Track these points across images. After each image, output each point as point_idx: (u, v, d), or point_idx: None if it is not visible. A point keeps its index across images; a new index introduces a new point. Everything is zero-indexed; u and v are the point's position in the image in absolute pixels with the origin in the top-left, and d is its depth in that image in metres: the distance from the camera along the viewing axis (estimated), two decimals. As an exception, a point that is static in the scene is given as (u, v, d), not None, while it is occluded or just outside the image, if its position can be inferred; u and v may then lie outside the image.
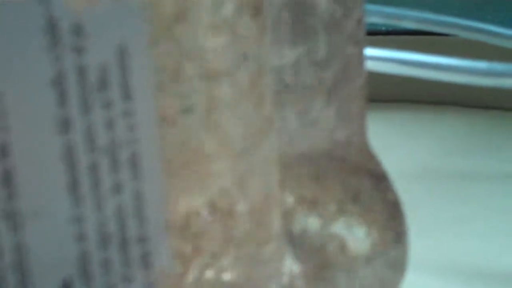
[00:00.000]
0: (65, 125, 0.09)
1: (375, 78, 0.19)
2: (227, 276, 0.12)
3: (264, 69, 0.12)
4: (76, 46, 0.09)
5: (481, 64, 0.17)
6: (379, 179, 0.15)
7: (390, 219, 0.15)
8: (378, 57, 0.18)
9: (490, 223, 0.18)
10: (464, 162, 0.21)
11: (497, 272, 0.16)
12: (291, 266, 0.13)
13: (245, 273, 0.12)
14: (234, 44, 0.11)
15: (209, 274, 0.11)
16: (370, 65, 0.17)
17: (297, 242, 0.13)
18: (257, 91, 0.11)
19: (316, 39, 0.13)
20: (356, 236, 0.14)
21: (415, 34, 0.25)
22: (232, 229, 0.11)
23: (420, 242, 0.17)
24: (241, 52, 0.11)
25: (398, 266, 0.15)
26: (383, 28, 0.26)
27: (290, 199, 0.14)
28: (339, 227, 0.14)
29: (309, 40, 0.13)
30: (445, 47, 0.24)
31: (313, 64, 0.14)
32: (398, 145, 0.19)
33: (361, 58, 0.14)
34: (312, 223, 0.14)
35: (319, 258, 0.14)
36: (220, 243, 0.11)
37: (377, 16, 0.23)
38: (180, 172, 0.10)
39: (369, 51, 0.18)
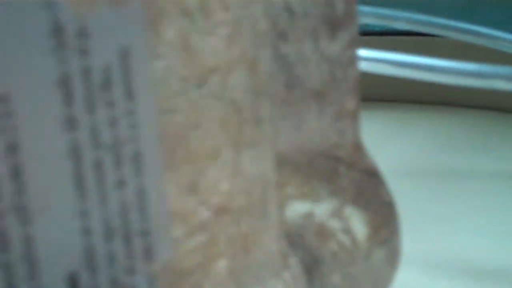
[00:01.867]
0: (71, 124, 0.09)
1: (366, 78, 0.19)
2: (222, 264, 0.12)
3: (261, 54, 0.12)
4: (81, 49, 0.09)
5: (471, 66, 0.17)
6: (373, 176, 0.15)
7: (384, 216, 0.15)
8: (371, 58, 0.18)
9: (478, 220, 0.18)
10: (453, 160, 0.22)
11: (484, 267, 0.17)
12: (290, 261, 0.13)
13: (244, 263, 0.12)
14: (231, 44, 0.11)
15: (209, 265, 0.12)
16: (363, 66, 0.18)
17: (294, 240, 0.14)
18: (257, 88, 0.12)
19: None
20: (351, 232, 0.14)
21: (408, 35, 0.25)
22: (229, 224, 0.12)
23: (409, 239, 0.17)
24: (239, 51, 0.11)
25: (391, 262, 0.15)
26: (377, 29, 0.26)
27: (286, 198, 0.14)
28: (334, 224, 0.14)
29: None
30: (436, 47, 0.25)
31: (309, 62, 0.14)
32: (388, 143, 0.20)
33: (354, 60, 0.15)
34: (308, 220, 0.14)
35: (315, 255, 0.14)
36: (219, 237, 0.12)
37: (371, 17, 0.24)
38: (180, 168, 0.11)
39: (362, 52, 0.18)
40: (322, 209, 0.14)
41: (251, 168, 0.12)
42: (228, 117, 0.11)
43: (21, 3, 0.09)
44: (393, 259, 0.15)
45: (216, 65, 0.11)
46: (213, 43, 0.11)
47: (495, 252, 0.17)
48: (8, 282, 0.09)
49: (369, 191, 0.15)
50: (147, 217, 0.11)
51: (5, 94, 0.09)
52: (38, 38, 0.09)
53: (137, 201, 0.10)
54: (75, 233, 0.10)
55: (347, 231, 0.14)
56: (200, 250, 0.11)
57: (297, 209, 0.14)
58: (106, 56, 0.10)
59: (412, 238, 0.18)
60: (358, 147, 0.15)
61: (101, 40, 0.10)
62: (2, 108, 0.09)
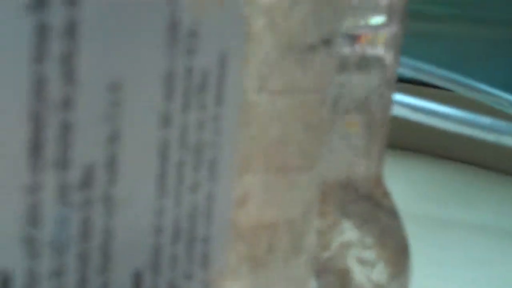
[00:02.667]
0: (166, 120, 0.09)
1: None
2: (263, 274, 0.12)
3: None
4: (189, 49, 0.09)
5: (484, 119, 0.18)
6: (393, 214, 0.15)
7: (399, 255, 0.15)
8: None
9: (461, 270, 0.19)
10: (431, 209, 0.22)
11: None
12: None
13: (280, 276, 0.12)
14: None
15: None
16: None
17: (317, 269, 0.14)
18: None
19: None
20: (368, 267, 0.15)
21: (410, 83, 0.26)
22: (274, 240, 0.12)
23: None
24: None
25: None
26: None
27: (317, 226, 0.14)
28: (352, 258, 0.15)
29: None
30: (435, 98, 0.25)
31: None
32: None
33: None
34: (328, 253, 0.14)
35: (334, 285, 0.14)
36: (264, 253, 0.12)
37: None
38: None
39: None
40: (342, 241, 0.14)
41: (306, 186, 0.12)
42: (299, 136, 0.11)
43: (144, -6, 0.09)
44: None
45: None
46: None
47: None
48: (82, 273, 0.09)
49: (389, 229, 0.15)
50: (211, 223, 0.10)
51: (117, 83, 0.09)
52: (154, 31, 0.09)
53: (206, 206, 0.10)
54: (149, 230, 0.10)
55: (365, 265, 0.14)
56: (247, 260, 0.11)
57: (321, 239, 0.14)
58: (207, 58, 0.10)
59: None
60: (381, 185, 0.16)
61: (206, 42, 0.10)
62: (112, 96, 0.09)
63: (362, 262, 0.15)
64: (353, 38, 0.14)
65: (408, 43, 0.27)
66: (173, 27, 0.09)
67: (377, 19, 0.14)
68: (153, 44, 0.09)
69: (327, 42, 0.12)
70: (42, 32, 0.08)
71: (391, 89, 0.14)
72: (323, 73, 0.12)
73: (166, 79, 0.09)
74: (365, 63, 0.14)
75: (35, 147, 0.08)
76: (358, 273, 0.14)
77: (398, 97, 0.20)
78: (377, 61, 0.14)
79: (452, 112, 0.19)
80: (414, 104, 0.20)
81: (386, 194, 0.16)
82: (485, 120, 0.18)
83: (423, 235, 0.21)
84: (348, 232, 0.15)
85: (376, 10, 0.14)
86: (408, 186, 0.24)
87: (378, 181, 0.15)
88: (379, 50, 0.14)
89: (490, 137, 0.18)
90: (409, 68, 0.24)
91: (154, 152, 0.09)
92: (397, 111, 0.20)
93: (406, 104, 0.20)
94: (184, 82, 0.09)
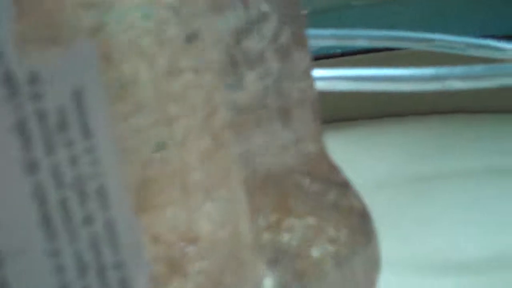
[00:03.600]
0: (32, 167, 0.10)
1: (330, 99, 0.20)
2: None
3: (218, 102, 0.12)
4: (34, 94, 0.10)
5: (426, 70, 0.18)
6: (344, 186, 0.16)
7: (359, 223, 0.15)
8: (328, 77, 0.19)
9: (453, 218, 0.19)
10: (422, 166, 0.22)
11: (466, 261, 0.17)
12: (265, 280, 0.14)
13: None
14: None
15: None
16: (321, 85, 0.18)
17: (271, 258, 0.14)
18: (215, 128, 0.12)
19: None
20: (327, 242, 0.15)
21: (368, 52, 0.26)
22: (202, 255, 0.12)
23: (391, 243, 0.18)
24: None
25: (370, 268, 0.15)
26: (338, 51, 0.27)
27: (260, 222, 0.14)
28: (309, 238, 0.15)
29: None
30: (400, 60, 0.25)
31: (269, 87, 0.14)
32: (355, 160, 0.20)
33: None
34: (284, 238, 0.15)
35: (293, 269, 0.14)
36: (192, 266, 0.12)
37: (331, 38, 0.24)
38: (146, 202, 0.11)
39: (319, 72, 0.19)
40: (296, 224, 0.15)
41: (224, 200, 0.12)
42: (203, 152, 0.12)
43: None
44: (372, 264, 0.15)
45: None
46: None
47: (476, 244, 0.18)
48: (-12, 327, 0.09)
49: (342, 200, 0.15)
50: (119, 249, 0.11)
51: (-36, 145, 0.09)
52: (-10, 88, 0.09)
53: (107, 235, 0.11)
54: (48, 272, 0.10)
55: (323, 241, 0.15)
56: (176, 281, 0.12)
57: (271, 231, 0.14)
58: (60, 98, 0.10)
59: (395, 244, 0.18)
60: (326, 161, 0.16)
61: (52, 83, 0.10)
62: (-38, 158, 0.09)
63: (321, 242, 0.15)
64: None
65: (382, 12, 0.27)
66: (8, 79, 0.10)
67: None
68: (-7, 101, 0.09)
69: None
70: None
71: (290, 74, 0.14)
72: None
73: (18, 129, 0.10)
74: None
75: None
76: (315, 251, 0.14)
77: (368, 70, 0.20)
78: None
79: (408, 72, 0.19)
80: (382, 74, 0.20)
81: (332, 169, 0.16)
82: (430, 71, 0.18)
83: (418, 193, 0.21)
84: (299, 213, 0.15)
85: None
86: (397, 150, 0.24)
87: (321, 159, 0.16)
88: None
89: (438, 85, 0.18)
90: (367, 38, 0.24)
91: (29, 199, 0.10)
92: (368, 85, 0.20)
93: (371, 76, 0.20)
94: (40, 126, 0.10)
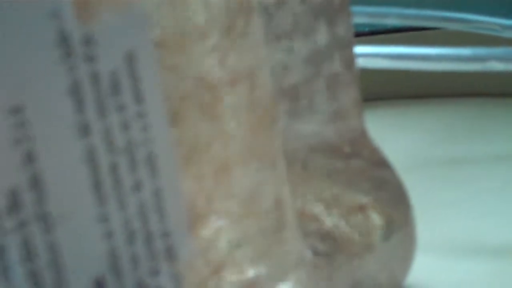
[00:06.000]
0: (84, 130, 0.10)
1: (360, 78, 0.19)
2: (247, 269, 0.12)
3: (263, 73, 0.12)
4: (88, 56, 0.10)
5: (465, 51, 0.18)
6: (384, 165, 0.15)
7: (398, 204, 0.15)
8: (365, 54, 0.18)
9: (483, 203, 0.19)
10: (453, 148, 0.22)
11: (496, 246, 0.17)
12: (307, 257, 0.13)
13: (263, 264, 0.12)
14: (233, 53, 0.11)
15: (229, 273, 0.12)
16: (358, 62, 0.18)
17: (313, 236, 0.14)
18: (257, 98, 0.12)
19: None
20: (366, 221, 0.15)
21: (399, 31, 0.25)
22: (247, 225, 0.12)
23: (422, 226, 0.17)
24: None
25: (407, 250, 0.15)
26: (367, 29, 0.26)
27: (302, 199, 0.14)
28: (348, 214, 0.14)
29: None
30: (429, 40, 0.25)
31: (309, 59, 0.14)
32: (387, 139, 0.20)
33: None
34: (326, 215, 0.14)
35: (334, 246, 0.14)
36: (239, 237, 0.12)
37: (360, 16, 0.24)
38: (196, 170, 0.11)
39: (356, 49, 0.18)
40: (337, 202, 0.14)
41: (264, 168, 0.12)
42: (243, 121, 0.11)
43: (26, 15, 0.09)
44: (408, 247, 0.15)
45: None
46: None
47: (506, 229, 0.17)
48: (37, 291, 0.09)
49: (383, 181, 0.15)
50: (166, 218, 0.11)
51: (18, 105, 0.09)
52: (45, 48, 0.09)
53: (155, 203, 0.10)
54: (97, 237, 0.10)
55: (363, 220, 0.14)
56: (223, 249, 0.11)
57: (312, 208, 0.14)
58: (113, 61, 0.10)
59: (424, 226, 0.18)
60: (366, 141, 0.15)
61: (107, 46, 0.10)
62: (16, 118, 0.09)
63: (352, 219, 0.14)
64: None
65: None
66: (64, 39, 0.09)
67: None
68: (48, 60, 0.09)
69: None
70: None
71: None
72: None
73: (71, 90, 0.09)
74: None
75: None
76: (348, 231, 0.14)
77: (406, 48, 0.20)
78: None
79: (441, 51, 0.19)
80: (420, 53, 0.20)
81: (373, 149, 0.15)
82: (468, 51, 0.18)
83: (448, 175, 0.21)
84: (341, 193, 0.15)
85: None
86: (426, 132, 0.24)
87: (362, 137, 0.15)
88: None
89: (477, 66, 0.18)
90: (397, 17, 0.24)
91: (81, 163, 0.10)
92: (392, 63, 0.20)
93: (399, 54, 0.20)
94: (93, 89, 0.10)
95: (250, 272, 0.12)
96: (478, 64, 0.18)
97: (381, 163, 0.15)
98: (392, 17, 0.23)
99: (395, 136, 0.23)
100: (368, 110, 0.24)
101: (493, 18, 0.21)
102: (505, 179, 0.20)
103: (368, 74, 0.19)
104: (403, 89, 0.26)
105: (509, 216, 0.18)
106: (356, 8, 0.24)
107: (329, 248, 0.14)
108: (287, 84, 0.13)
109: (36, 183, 0.09)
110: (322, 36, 0.14)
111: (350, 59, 0.15)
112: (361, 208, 0.14)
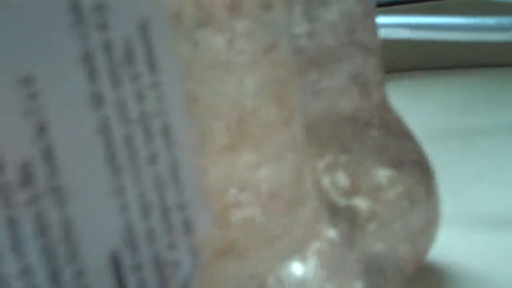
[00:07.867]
0: (97, 100, 0.09)
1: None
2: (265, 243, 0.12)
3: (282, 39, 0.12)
4: (100, 23, 0.09)
5: (489, 20, 0.17)
6: (408, 137, 0.15)
7: (421, 175, 0.15)
8: (386, 24, 0.18)
9: (506, 174, 0.18)
10: (474, 119, 0.21)
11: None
12: (327, 231, 0.13)
13: (283, 238, 0.12)
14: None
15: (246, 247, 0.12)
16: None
17: (332, 207, 0.14)
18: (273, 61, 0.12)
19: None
20: (389, 193, 0.14)
21: (421, 1, 0.25)
22: (266, 199, 0.12)
23: (445, 198, 0.17)
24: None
25: (431, 222, 0.15)
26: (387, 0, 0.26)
27: (321, 165, 0.14)
28: (370, 186, 0.14)
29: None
30: (451, 10, 0.24)
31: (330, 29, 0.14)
32: (407, 111, 0.20)
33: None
34: (345, 189, 0.14)
35: (354, 218, 0.14)
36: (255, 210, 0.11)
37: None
38: (212, 144, 0.11)
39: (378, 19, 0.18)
40: (357, 172, 0.14)
41: (284, 141, 0.12)
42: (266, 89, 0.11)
43: (36, -18, 0.09)
44: (432, 220, 0.15)
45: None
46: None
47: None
48: (51, 266, 0.09)
49: (406, 151, 0.15)
50: (182, 190, 0.10)
51: (29, 75, 0.09)
52: (56, 16, 0.09)
53: (171, 175, 0.10)
54: (112, 211, 0.10)
55: (384, 191, 0.14)
56: (240, 222, 0.11)
57: (330, 175, 0.14)
58: (126, 29, 0.10)
59: (447, 198, 0.18)
60: (390, 110, 0.15)
61: (119, 13, 0.09)
62: (28, 89, 0.09)
63: (381, 188, 0.14)
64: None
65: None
66: (76, 6, 0.09)
67: None
68: (59, 28, 0.09)
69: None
70: None
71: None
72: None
73: (83, 60, 0.09)
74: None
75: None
76: (374, 200, 0.14)
77: (407, 19, 0.19)
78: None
79: (459, 21, 0.19)
80: (445, 23, 0.19)
81: (396, 119, 0.15)
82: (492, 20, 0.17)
83: (470, 147, 0.20)
84: (362, 162, 0.14)
85: None
86: (447, 103, 0.23)
87: (385, 107, 0.15)
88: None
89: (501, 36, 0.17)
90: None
91: (95, 134, 0.09)
92: (413, 33, 0.19)
93: (419, 24, 0.19)
94: (106, 58, 0.09)
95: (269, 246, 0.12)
96: (502, 33, 0.17)
97: (404, 134, 0.15)
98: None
99: (412, 108, 0.23)
100: (390, 82, 0.23)
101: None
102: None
103: (388, 46, 0.19)
104: (419, 61, 0.26)
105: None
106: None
107: (349, 222, 0.14)
108: (311, 52, 0.13)
109: (48, 156, 0.09)
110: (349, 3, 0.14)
111: (372, 27, 0.14)
112: (382, 181, 0.14)
